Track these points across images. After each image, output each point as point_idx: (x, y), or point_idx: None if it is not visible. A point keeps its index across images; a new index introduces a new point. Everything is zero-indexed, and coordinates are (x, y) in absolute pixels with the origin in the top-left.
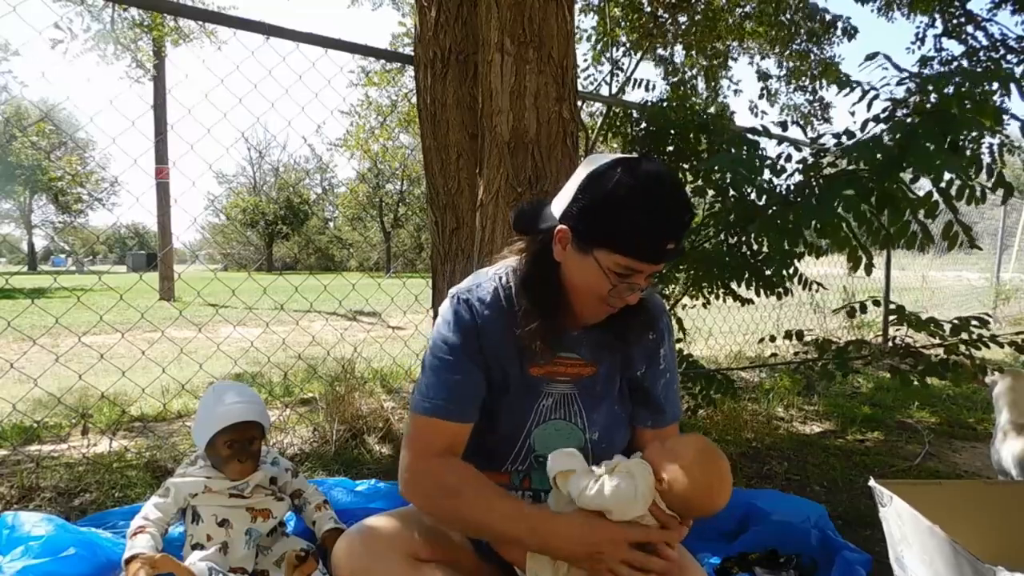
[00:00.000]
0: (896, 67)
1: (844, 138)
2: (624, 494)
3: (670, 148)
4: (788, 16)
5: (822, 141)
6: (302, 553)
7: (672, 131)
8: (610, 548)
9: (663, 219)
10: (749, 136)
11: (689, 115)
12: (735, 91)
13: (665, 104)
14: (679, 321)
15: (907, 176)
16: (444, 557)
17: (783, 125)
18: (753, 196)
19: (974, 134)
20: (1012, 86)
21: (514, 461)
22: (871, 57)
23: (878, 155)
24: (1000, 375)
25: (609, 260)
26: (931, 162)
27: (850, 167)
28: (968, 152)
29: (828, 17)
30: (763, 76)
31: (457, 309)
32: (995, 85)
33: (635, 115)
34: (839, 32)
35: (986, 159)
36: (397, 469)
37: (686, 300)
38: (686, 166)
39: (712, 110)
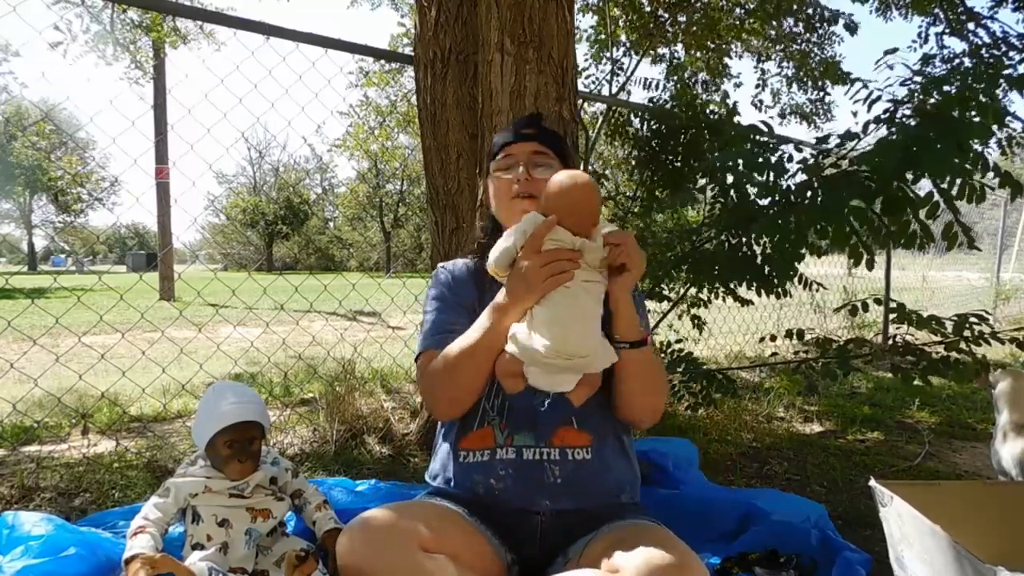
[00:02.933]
0: (909, 68)
1: (847, 140)
2: (496, 250)
3: (680, 149)
4: (786, 15)
5: (828, 143)
6: (302, 553)
7: (682, 132)
8: (529, 265)
9: (515, 120)
10: (754, 135)
11: (698, 115)
12: (736, 84)
13: (672, 105)
14: (695, 319)
15: (908, 176)
16: (447, 550)
17: (782, 115)
18: (754, 196)
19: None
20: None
21: (488, 396)
22: (891, 51)
23: (891, 164)
24: (1001, 375)
25: (496, 165)
26: (942, 167)
27: (851, 167)
28: (974, 151)
29: (827, 14)
30: (761, 72)
31: (437, 273)
32: (1000, 83)
33: (639, 116)
34: (840, 27)
35: (994, 153)
36: (397, 469)
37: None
38: (695, 163)
39: (714, 108)
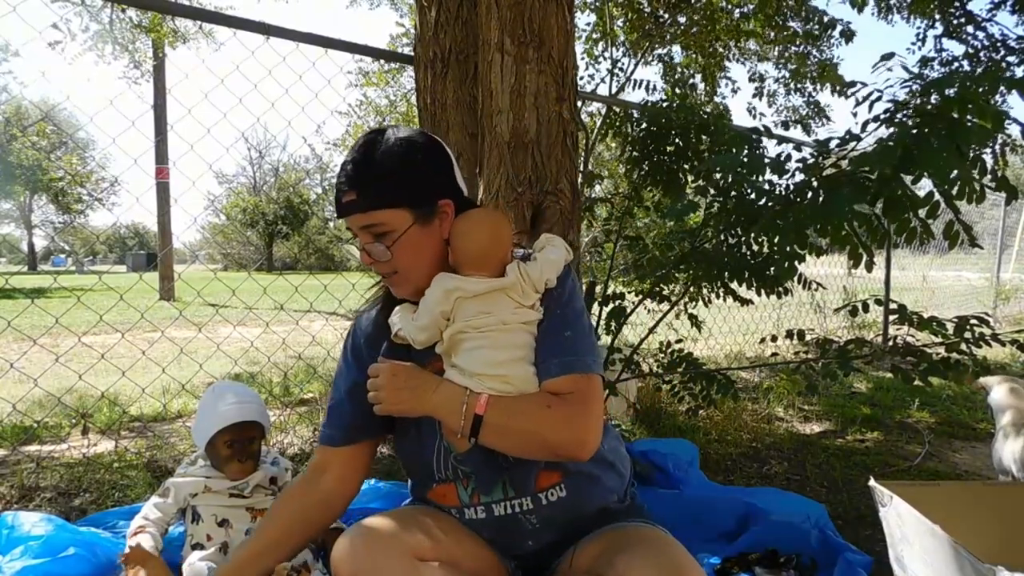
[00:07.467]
0: (908, 71)
1: (848, 141)
2: (409, 319)
3: (671, 148)
4: (786, 18)
5: (828, 146)
6: (292, 574)
7: (673, 131)
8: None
9: (339, 176)
10: (751, 136)
11: (690, 115)
12: (733, 90)
13: (666, 104)
14: (692, 318)
15: (908, 176)
16: (445, 557)
17: (784, 125)
18: (753, 196)
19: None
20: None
21: (439, 468)
22: (887, 57)
23: (890, 166)
24: (996, 381)
25: None
26: (942, 168)
27: (850, 168)
28: (972, 154)
29: (826, 19)
30: (758, 77)
31: (346, 339)
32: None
33: (635, 115)
34: (837, 34)
35: (989, 160)
36: (397, 469)
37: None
38: (687, 166)
39: (709, 109)
